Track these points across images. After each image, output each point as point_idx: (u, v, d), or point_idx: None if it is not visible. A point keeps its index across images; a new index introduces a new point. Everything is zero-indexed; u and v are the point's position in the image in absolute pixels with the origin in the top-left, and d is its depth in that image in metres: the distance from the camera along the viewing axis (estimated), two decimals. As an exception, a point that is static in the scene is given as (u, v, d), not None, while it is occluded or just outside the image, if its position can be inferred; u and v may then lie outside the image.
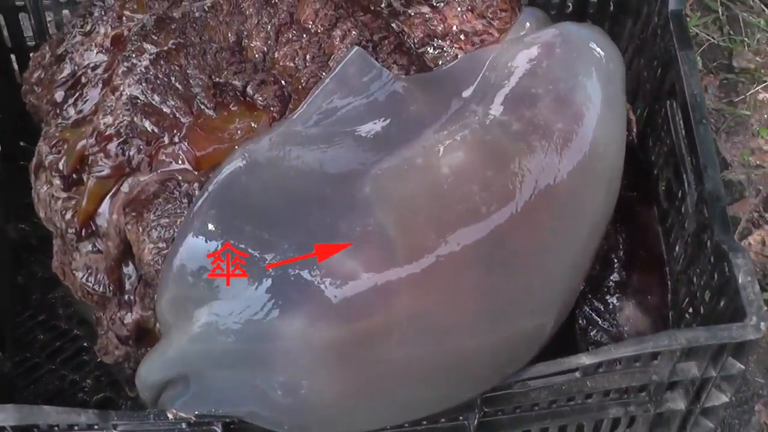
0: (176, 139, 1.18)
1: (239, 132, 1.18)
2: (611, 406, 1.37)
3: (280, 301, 1.13)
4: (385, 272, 1.13)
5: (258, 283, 1.12)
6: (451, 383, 1.23)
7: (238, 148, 1.15)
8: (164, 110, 1.18)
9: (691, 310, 1.45)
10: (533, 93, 1.23)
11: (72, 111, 1.21)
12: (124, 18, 1.23)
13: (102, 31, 1.22)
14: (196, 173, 1.17)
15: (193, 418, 1.26)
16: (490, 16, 1.26)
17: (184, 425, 1.26)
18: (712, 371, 1.31)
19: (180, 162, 1.18)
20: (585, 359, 1.27)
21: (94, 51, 1.22)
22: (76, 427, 1.18)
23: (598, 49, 1.27)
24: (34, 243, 1.52)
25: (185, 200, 1.15)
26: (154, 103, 1.18)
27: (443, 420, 1.32)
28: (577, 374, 1.29)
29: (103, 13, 1.23)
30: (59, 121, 1.22)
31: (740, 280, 1.29)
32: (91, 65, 1.22)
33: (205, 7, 1.23)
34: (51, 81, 1.24)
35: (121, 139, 1.17)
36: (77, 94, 1.22)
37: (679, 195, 1.45)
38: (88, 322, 1.44)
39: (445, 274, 1.15)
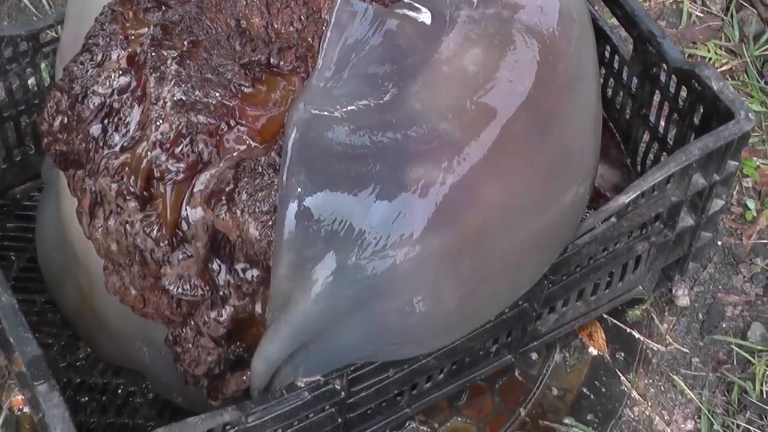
0: (232, 123, 1.23)
1: (280, 97, 1.25)
2: (636, 244, 1.51)
3: (389, 228, 1.20)
4: (465, 170, 1.23)
5: (366, 217, 1.20)
6: (537, 259, 1.34)
7: (290, 110, 1.22)
8: (210, 101, 1.23)
9: (655, 144, 1.61)
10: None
11: (117, 137, 1.25)
12: (130, 37, 1.26)
13: (114, 56, 1.26)
14: (262, 146, 1.23)
15: (322, 379, 1.31)
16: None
17: (306, 394, 1.32)
18: (715, 176, 1.46)
19: (244, 143, 1.23)
20: (623, 198, 1.40)
21: (114, 76, 1.25)
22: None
23: None
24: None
25: (270, 170, 1.21)
26: (198, 98, 1.23)
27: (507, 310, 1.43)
28: (613, 219, 1.42)
29: (108, 40, 1.26)
30: (106, 152, 1.25)
31: (715, 87, 1.46)
32: (117, 90, 1.25)
33: (193, 5, 1.28)
34: (79, 120, 1.26)
35: (188, 139, 1.21)
36: (115, 120, 1.25)
37: (608, 50, 1.60)
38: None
39: (509, 154, 1.26)
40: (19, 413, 1.56)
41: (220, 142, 1.23)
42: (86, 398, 1.56)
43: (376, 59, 1.28)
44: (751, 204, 1.74)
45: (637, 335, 1.65)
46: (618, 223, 1.44)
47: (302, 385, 1.32)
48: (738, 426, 1.58)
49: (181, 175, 1.23)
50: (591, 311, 1.60)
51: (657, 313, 1.67)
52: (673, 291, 1.67)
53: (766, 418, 1.59)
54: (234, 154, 1.24)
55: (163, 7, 1.30)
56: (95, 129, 1.27)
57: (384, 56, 1.28)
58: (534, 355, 1.62)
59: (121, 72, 1.27)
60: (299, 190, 1.19)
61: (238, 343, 1.33)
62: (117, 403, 1.55)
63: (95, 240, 1.30)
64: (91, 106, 1.27)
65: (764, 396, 1.61)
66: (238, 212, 1.21)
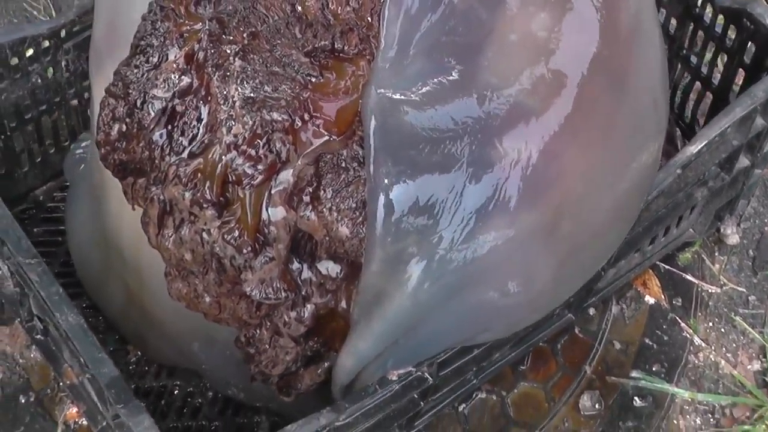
0: (306, 117, 1.17)
1: (351, 84, 1.19)
2: (695, 191, 1.48)
3: (483, 210, 1.16)
4: (550, 141, 1.18)
5: (459, 203, 1.15)
6: (621, 222, 1.30)
7: (363, 97, 1.16)
8: (281, 96, 1.17)
9: (697, 84, 1.57)
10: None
11: (184, 142, 1.18)
12: (185, 35, 1.19)
13: (172, 56, 1.19)
14: (339, 138, 1.17)
15: (413, 370, 1.27)
16: None
17: (396, 386, 1.28)
18: (772, 115, 1.43)
19: (321, 136, 1.17)
20: (692, 148, 1.37)
21: (174, 77, 1.19)
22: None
23: None
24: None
25: (354, 164, 1.16)
26: (268, 94, 1.17)
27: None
28: (678, 171, 1.38)
29: (163, 39, 1.19)
30: (173, 159, 1.18)
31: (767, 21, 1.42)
32: (178, 92, 1.19)
33: (245, -8, 1.22)
34: (140, 127, 1.19)
35: (264, 138, 1.15)
36: (180, 125, 1.18)
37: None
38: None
39: (589, 119, 1.22)
40: (75, 426, 1.50)
41: (297, 138, 1.17)
42: (144, 403, 1.50)
43: (441, 32, 1.22)
44: (773, 138, 1.71)
45: (691, 278, 1.63)
46: (683, 174, 1.41)
47: (395, 379, 1.28)
48: (804, 362, 1.57)
49: (260, 177, 1.17)
50: (646, 260, 1.57)
51: (707, 254, 1.65)
52: (722, 230, 1.64)
53: (830, 349, 1.59)
54: (312, 149, 1.18)
55: (212, -1, 1.23)
56: (159, 135, 1.20)
57: (448, 29, 1.22)
58: (591, 311, 1.59)
59: (180, 72, 1.20)
60: (387, 181, 1.14)
61: (316, 339, 1.29)
62: (176, 406, 1.50)
63: (165, 249, 1.24)
64: (153, 112, 1.20)
65: (825, 328, 1.60)
66: (325, 211, 1.16)
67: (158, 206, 1.22)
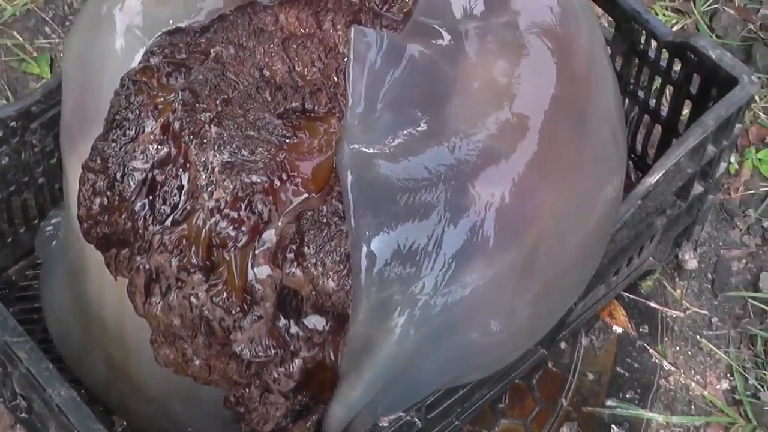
0: (284, 176, 1.21)
1: (324, 141, 1.23)
2: (655, 220, 1.53)
3: (462, 254, 1.20)
4: (521, 182, 1.23)
5: (439, 249, 1.19)
6: (592, 256, 1.35)
7: (337, 154, 1.20)
8: (258, 159, 1.20)
9: (645, 117, 1.63)
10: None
11: (167, 210, 1.21)
12: (159, 106, 1.23)
13: (148, 128, 1.22)
14: (317, 195, 1.21)
15: (403, 414, 1.31)
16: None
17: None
18: (724, 142, 1.49)
19: (300, 194, 1.21)
20: (650, 179, 1.42)
21: (152, 148, 1.22)
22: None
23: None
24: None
25: (335, 218, 1.19)
26: (246, 157, 1.20)
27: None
28: (639, 202, 1.43)
29: (138, 112, 1.22)
30: (156, 228, 1.21)
31: (713, 56, 1.48)
32: (157, 162, 1.22)
33: (213, 62, 1.26)
34: (121, 199, 1.22)
35: (246, 201, 1.18)
36: (161, 194, 1.21)
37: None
38: None
39: (556, 158, 1.27)
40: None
41: (277, 197, 1.21)
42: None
43: (405, 86, 1.27)
44: (732, 158, 1.77)
45: (654, 305, 1.68)
46: (644, 204, 1.46)
47: (386, 425, 1.31)
48: (770, 377, 1.62)
49: (244, 239, 1.20)
50: (611, 291, 1.62)
51: (668, 280, 1.70)
52: (680, 256, 1.69)
53: (794, 364, 1.64)
54: (292, 208, 1.21)
55: (183, 70, 1.27)
56: (141, 206, 1.23)
57: (412, 82, 1.27)
58: (563, 344, 1.64)
59: (157, 143, 1.23)
60: (368, 233, 1.18)
61: (304, 393, 1.31)
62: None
63: (153, 317, 1.26)
64: (133, 183, 1.23)
65: (787, 343, 1.65)
66: (310, 266, 1.19)
67: (144, 275, 1.24)
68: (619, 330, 1.65)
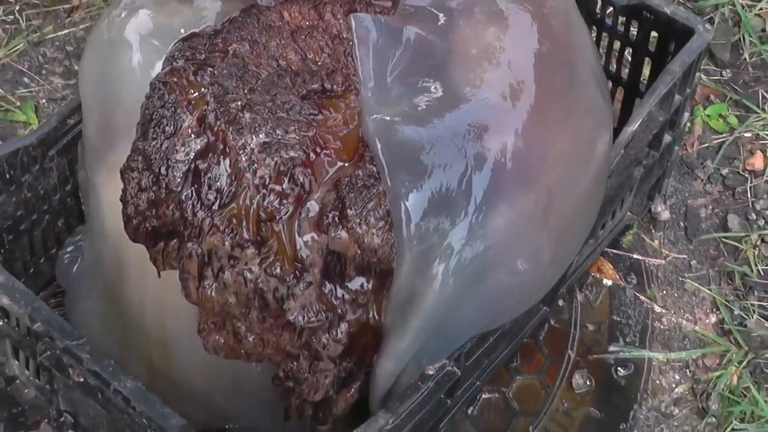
0: (318, 150, 1.32)
1: (348, 115, 1.34)
2: (633, 170, 1.67)
3: (489, 199, 1.32)
4: (530, 130, 1.36)
5: (469, 196, 1.31)
6: (596, 199, 1.48)
7: (362, 125, 1.32)
8: (292, 135, 1.31)
9: (610, 84, 1.76)
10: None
11: (212, 195, 1.31)
12: (192, 102, 1.33)
13: (186, 122, 1.32)
14: (349, 163, 1.32)
15: (447, 362, 1.41)
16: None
17: (430, 383, 1.41)
18: (687, 90, 1.64)
19: (334, 164, 1.32)
20: (630, 128, 1.55)
21: (191, 140, 1.32)
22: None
23: None
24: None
25: (372, 180, 1.30)
26: (281, 136, 1.31)
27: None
28: (622, 150, 1.57)
29: (174, 109, 1.32)
30: (204, 213, 1.31)
31: (668, 11, 1.63)
32: (198, 152, 1.31)
33: (234, 59, 1.36)
34: (168, 191, 1.32)
35: (288, 175, 1.29)
36: (206, 181, 1.31)
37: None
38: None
39: (557, 108, 1.40)
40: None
41: (315, 169, 1.31)
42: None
43: (409, 62, 1.39)
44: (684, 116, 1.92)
45: (637, 257, 1.81)
46: (626, 153, 1.59)
47: (432, 373, 1.41)
48: (752, 305, 1.76)
49: (290, 209, 1.30)
50: (598, 247, 1.74)
51: (645, 233, 1.83)
52: (653, 209, 1.83)
53: (770, 291, 1.78)
54: (329, 177, 1.32)
55: (207, 68, 1.37)
56: (187, 195, 1.32)
57: (414, 58, 1.39)
58: (560, 302, 1.75)
59: (196, 135, 1.33)
60: (404, 190, 1.28)
61: (348, 360, 1.41)
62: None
63: (207, 299, 1.35)
64: (178, 175, 1.32)
65: (762, 273, 1.79)
66: (355, 226, 1.29)
67: (196, 259, 1.33)
68: (609, 283, 1.78)
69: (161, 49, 1.41)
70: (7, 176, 1.53)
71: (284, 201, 1.30)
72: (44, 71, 1.95)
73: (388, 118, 1.32)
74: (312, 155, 1.31)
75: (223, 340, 1.40)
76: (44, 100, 1.91)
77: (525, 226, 1.34)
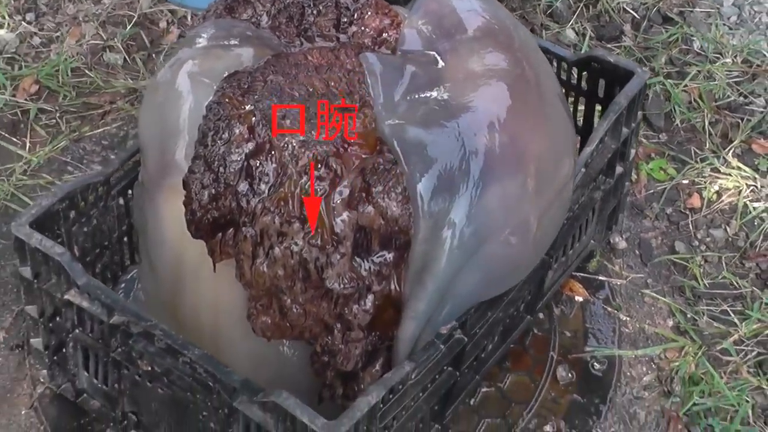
0: (346, 145, 1.66)
1: (367, 122, 1.69)
2: (594, 193, 2.01)
3: (486, 175, 1.65)
4: (513, 125, 1.71)
5: (469, 175, 1.65)
6: (566, 198, 1.82)
7: (379, 128, 1.67)
8: (324, 136, 1.66)
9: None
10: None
11: (263, 186, 1.64)
12: (242, 115, 1.67)
13: (238, 130, 1.66)
14: (371, 155, 1.66)
15: (456, 323, 1.72)
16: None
17: (442, 346, 1.72)
18: (632, 123, 2.00)
19: (360, 156, 1.66)
20: (588, 149, 1.91)
21: (243, 144, 1.65)
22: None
23: None
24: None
25: (390, 164, 1.64)
26: (314, 136, 1.65)
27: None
28: (583, 169, 1.92)
29: (228, 121, 1.66)
30: (257, 200, 1.63)
31: (612, 60, 2.00)
32: (250, 153, 1.65)
33: (272, 85, 1.71)
34: (226, 186, 1.64)
35: (323, 162, 1.63)
36: (257, 174, 1.64)
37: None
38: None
39: (527, 110, 1.75)
40: None
41: (344, 159, 1.65)
42: None
43: (410, 85, 1.74)
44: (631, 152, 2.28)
45: (602, 278, 2.14)
46: (587, 172, 1.93)
47: (445, 332, 1.71)
48: (702, 310, 2.09)
49: (327, 189, 1.63)
50: (567, 269, 2.07)
51: (607, 260, 2.17)
52: (612, 240, 2.17)
53: (715, 299, 2.11)
54: (356, 166, 1.65)
55: (250, 93, 1.71)
56: (243, 186, 1.65)
57: (414, 82, 1.75)
58: (541, 315, 2.07)
59: (246, 140, 1.66)
60: (418, 170, 1.62)
61: (374, 333, 1.71)
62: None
63: (259, 275, 1.66)
64: (234, 171, 1.65)
65: (708, 285, 2.13)
66: (380, 200, 1.62)
67: (250, 241, 1.65)
68: (581, 299, 2.10)
69: (210, 85, 1.75)
70: (80, 207, 1.83)
71: (321, 183, 1.62)
72: (85, 160, 2.28)
73: (400, 122, 1.67)
74: (341, 149, 1.65)
75: (270, 320, 1.70)
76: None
77: (512, 203, 1.68)
